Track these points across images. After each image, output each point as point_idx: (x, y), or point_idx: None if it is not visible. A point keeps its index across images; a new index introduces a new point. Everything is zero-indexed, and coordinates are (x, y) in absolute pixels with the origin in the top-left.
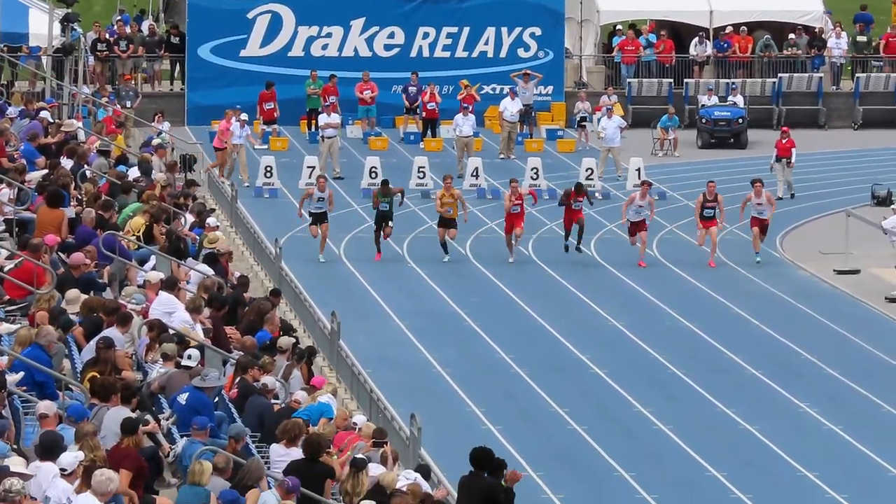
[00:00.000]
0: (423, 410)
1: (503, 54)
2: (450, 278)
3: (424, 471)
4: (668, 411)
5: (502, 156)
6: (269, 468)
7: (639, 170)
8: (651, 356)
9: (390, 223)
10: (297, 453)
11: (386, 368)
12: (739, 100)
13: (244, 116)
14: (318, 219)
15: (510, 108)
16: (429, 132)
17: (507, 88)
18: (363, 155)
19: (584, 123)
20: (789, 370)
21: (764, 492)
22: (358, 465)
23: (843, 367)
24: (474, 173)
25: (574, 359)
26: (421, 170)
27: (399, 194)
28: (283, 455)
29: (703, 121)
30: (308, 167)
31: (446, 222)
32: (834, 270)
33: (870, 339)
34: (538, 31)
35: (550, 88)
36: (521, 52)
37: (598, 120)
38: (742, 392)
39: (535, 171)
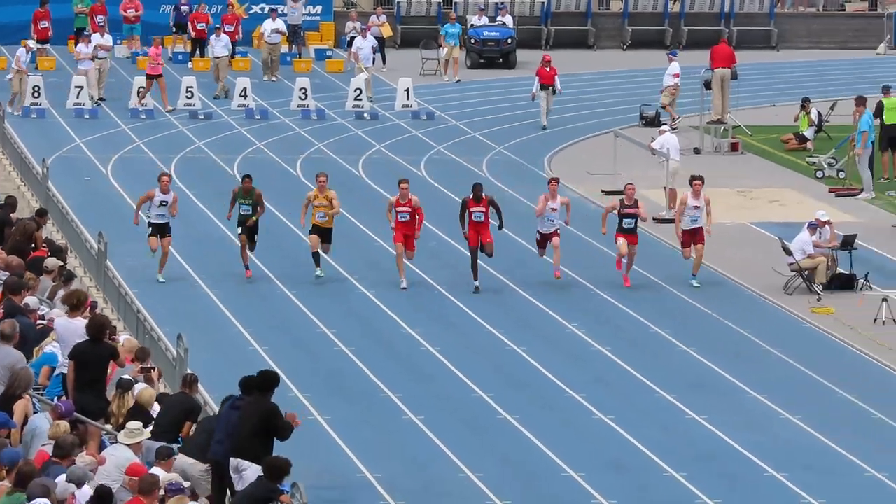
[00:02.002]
0: (191, 332)
1: None
2: (216, 201)
3: (192, 379)
4: (436, 333)
5: (265, 78)
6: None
7: (407, 90)
8: (419, 276)
9: (255, 237)
10: (80, 325)
11: (153, 290)
12: (509, 20)
13: (31, 44)
14: (160, 230)
15: (270, 28)
16: (197, 52)
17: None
18: (131, 75)
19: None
20: (554, 290)
21: (531, 412)
22: (124, 386)
23: (610, 288)
24: (242, 93)
25: (341, 278)
26: (189, 90)
27: (259, 201)
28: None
29: (473, 41)
30: (76, 87)
31: (320, 231)
32: (602, 191)
33: (638, 260)
34: None
35: (319, 8)
36: None
37: (354, 40)
38: (508, 312)
39: (303, 91)
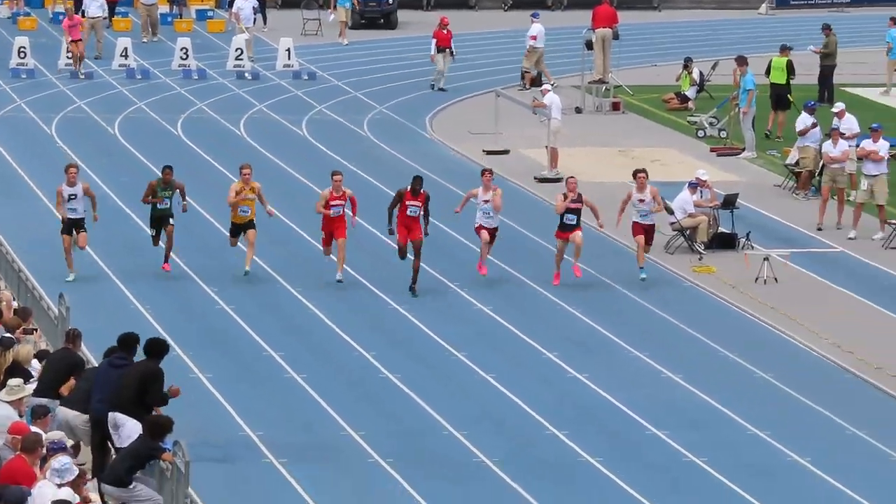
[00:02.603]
0: (72, 293)
1: None
2: (100, 160)
3: (75, 335)
4: (318, 293)
5: (144, 39)
6: None
7: (288, 50)
8: (297, 233)
9: (171, 221)
10: None
11: (35, 250)
12: None
13: None
14: (74, 225)
15: None
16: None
17: None
18: (12, 35)
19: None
20: (436, 251)
21: (413, 371)
22: (4, 344)
23: (494, 250)
24: (123, 53)
25: (221, 238)
26: (70, 50)
27: (181, 191)
28: None
29: (355, 1)
30: None
31: (242, 227)
32: (483, 151)
33: (519, 218)
34: None
35: None
36: None
37: (234, 0)
38: (392, 273)
39: (184, 51)
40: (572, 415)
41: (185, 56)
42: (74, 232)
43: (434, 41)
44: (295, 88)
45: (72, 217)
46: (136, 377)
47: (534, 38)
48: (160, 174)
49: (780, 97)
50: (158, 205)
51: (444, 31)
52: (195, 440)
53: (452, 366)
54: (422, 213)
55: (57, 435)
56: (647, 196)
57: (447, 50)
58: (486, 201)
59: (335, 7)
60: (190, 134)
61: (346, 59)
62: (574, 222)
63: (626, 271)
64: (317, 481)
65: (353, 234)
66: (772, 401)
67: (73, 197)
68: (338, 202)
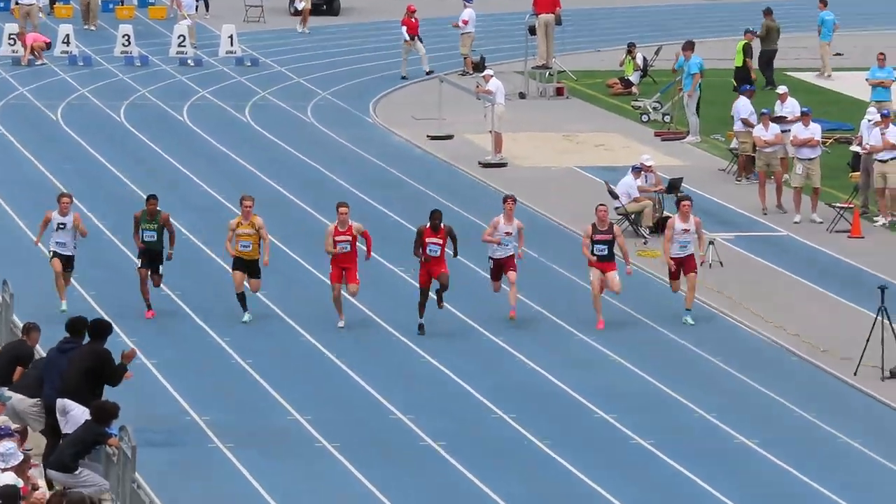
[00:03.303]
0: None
1: None
2: (41, 147)
3: (30, 327)
4: (265, 280)
5: (85, 26)
6: None
7: (231, 36)
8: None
9: (160, 268)
10: None
11: None
12: None
13: None
14: (63, 261)
15: None
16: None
17: None
18: None
19: None
20: (379, 233)
21: (360, 356)
22: None
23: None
24: (65, 40)
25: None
26: (11, 37)
27: (167, 226)
28: None
29: None
30: None
31: (244, 264)
32: (427, 136)
33: (464, 204)
34: None
35: None
36: None
37: None
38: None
39: (126, 38)
40: (520, 398)
41: (126, 43)
42: (63, 268)
43: (404, 28)
44: (238, 75)
45: (60, 252)
46: (82, 360)
47: (465, 22)
48: (144, 205)
49: (737, 80)
50: (144, 237)
51: (413, 20)
52: (141, 425)
53: (400, 351)
54: (444, 249)
55: (3, 420)
56: (692, 226)
57: (416, 37)
58: (508, 233)
59: None
60: (133, 121)
61: (289, 45)
62: (605, 253)
63: (571, 256)
64: (263, 466)
65: None
66: (719, 384)
67: (62, 226)
68: (343, 238)
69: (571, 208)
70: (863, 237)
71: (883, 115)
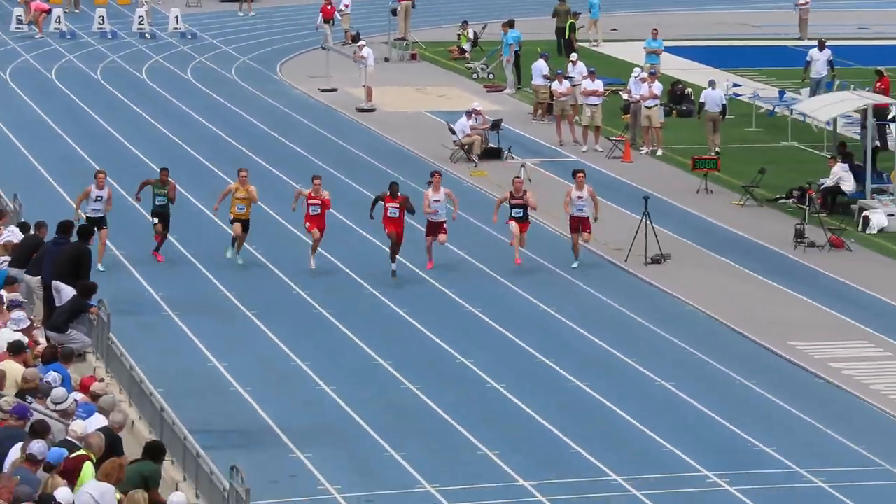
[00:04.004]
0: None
1: None
2: (40, 95)
3: (42, 224)
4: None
5: (67, 10)
6: None
7: (177, 17)
8: (147, 120)
9: (167, 223)
10: None
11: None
12: None
13: None
14: (96, 224)
15: None
16: None
17: None
18: None
19: None
20: (281, 161)
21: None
22: None
23: (330, 157)
24: (57, 20)
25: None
26: (18, 18)
27: (172, 192)
28: None
29: None
30: None
31: (242, 222)
32: (319, 89)
33: (344, 137)
34: None
35: None
36: None
37: None
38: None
39: (101, 18)
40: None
41: (101, 22)
42: (97, 229)
43: (321, 14)
44: (182, 45)
45: (95, 216)
46: (70, 252)
47: (346, 6)
48: (159, 173)
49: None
50: (156, 201)
51: (329, 7)
52: (116, 300)
53: (313, 320)
54: (402, 212)
55: (15, 295)
56: (586, 193)
57: (331, 21)
58: (437, 201)
59: None
60: (107, 79)
61: (224, 24)
62: (520, 215)
63: (420, 174)
64: (206, 330)
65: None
66: (539, 277)
67: (99, 198)
68: (315, 202)
69: (421, 141)
70: (632, 162)
71: (650, 74)
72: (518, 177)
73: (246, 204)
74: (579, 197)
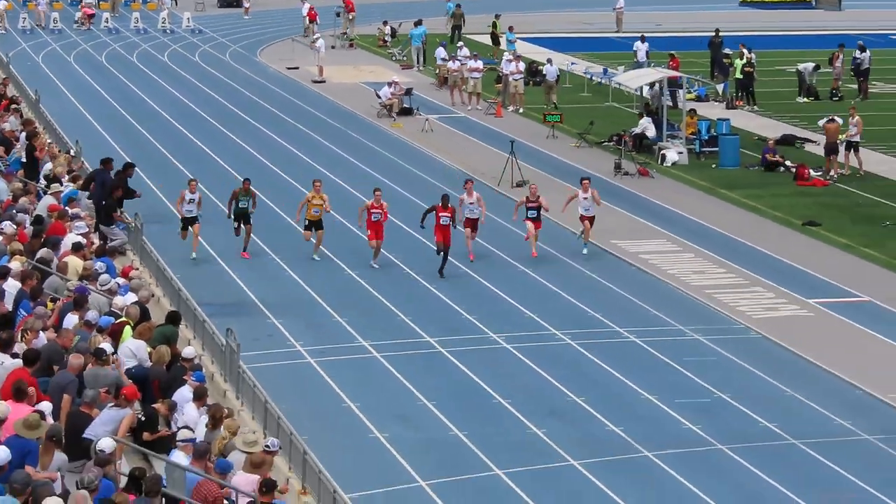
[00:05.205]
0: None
1: None
2: (94, 75)
3: (108, 160)
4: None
5: (113, 13)
6: None
7: (188, 17)
8: (169, 91)
9: (250, 220)
10: None
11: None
12: None
13: None
14: (189, 222)
15: None
16: None
17: None
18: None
19: None
20: (259, 114)
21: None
22: None
23: (294, 115)
24: (105, 20)
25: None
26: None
27: (253, 198)
28: None
29: None
30: None
31: (313, 224)
32: (287, 67)
33: (304, 100)
34: None
35: None
36: None
37: None
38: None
39: (136, 18)
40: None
41: (136, 21)
42: (190, 227)
43: (307, 17)
44: (192, 38)
45: (188, 216)
46: (115, 179)
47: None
48: (242, 183)
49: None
50: (239, 205)
51: (314, 11)
52: (148, 216)
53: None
54: (451, 220)
55: (78, 210)
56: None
57: (314, 23)
58: (472, 203)
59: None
60: (140, 61)
61: (218, 23)
62: (535, 216)
63: (359, 128)
64: (219, 240)
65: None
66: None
67: (192, 201)
68: (377, 210)
69: (357, 102)
70: (502, 117)
71: (515, 56)
72: (533, 183)
73: (320, 208)
74: (585, 198)
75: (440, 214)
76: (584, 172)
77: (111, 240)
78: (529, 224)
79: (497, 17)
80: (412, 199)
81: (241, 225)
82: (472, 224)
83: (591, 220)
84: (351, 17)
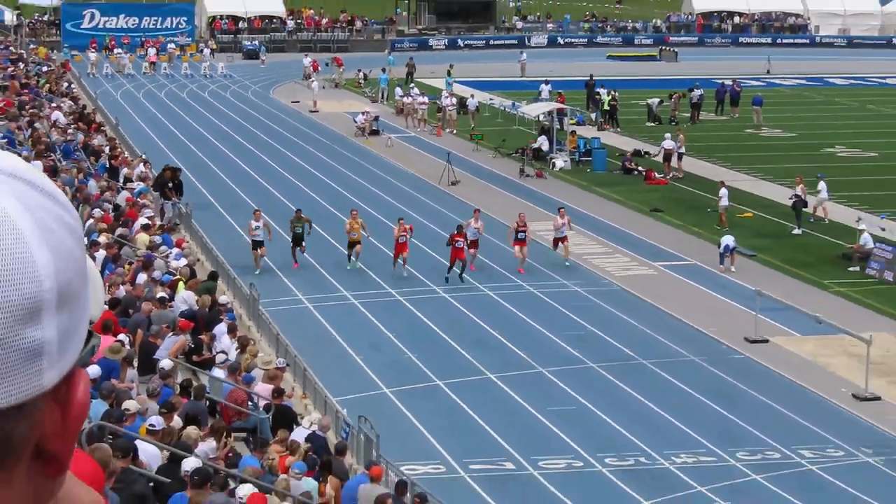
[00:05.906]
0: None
1: None
2: (173, 109)
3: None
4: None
5: (167, 63)
6: None
7: (222, 66)
8: (213, 121)
9: (303, 243)
10: None
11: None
12: None
13: None
14: (256, 245)
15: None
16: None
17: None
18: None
19: None
20: (271, 134)
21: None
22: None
23: (294, 134)
24: (164, 68)
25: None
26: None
27: (308, 223)
28: None
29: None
30: None
31: (353, 243)
32: (291, 101)
33: (304, 125)
34: None
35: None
36: None
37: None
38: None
39: (186, 66)
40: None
41: (186, 69)
42: (258, 249)
43: (310, 66)
44: (225, 81)
45: (255, 240)
46: (170, 169)
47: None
48: (295, 212)
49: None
50: (295, 230)
51: (315, 63)
52: (195, 204)
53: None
54: (465, 243)
55: (145, 201)
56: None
57: (317, 71)
58: (477, 228)
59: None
60: (190, 98)
61: (244, 71)
62: (523, 237)
63: (340, 145)
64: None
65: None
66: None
67: (257, 228)
68: (355, 231)
69: (340, 125)
70: (442, 136)
71: (451, 93)
72: (522, 212)
73: (357, 232)
74: (562, 224)
75: (456, 239)
76: (500, 176)
77: (167, 219)
78: (517, 247)
79: (451, 66)
80: (378, 194)
81: (298, 243)
82: (474, 244)
83: (566, 240)
84: (341, 70)
